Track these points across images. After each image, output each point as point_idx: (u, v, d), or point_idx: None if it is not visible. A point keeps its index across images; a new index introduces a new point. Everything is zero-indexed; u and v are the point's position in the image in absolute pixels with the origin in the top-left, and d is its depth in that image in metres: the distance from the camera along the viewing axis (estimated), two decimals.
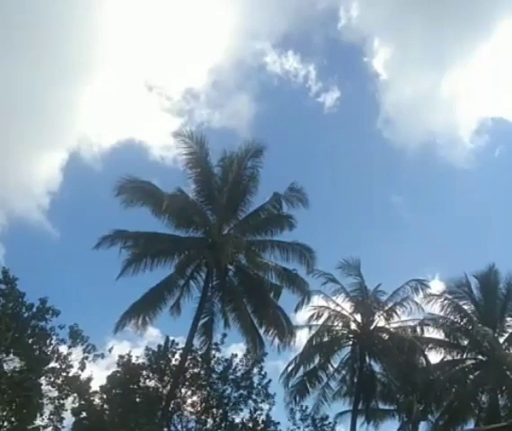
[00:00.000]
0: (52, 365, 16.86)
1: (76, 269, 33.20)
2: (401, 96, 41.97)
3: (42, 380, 16.72)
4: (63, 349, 17.26)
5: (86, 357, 17.40)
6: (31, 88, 32.13)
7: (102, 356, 18.21)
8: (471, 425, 23.76)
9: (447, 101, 43.87)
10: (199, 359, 19.08)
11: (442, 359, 24.50)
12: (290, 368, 23.67)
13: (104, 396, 18.78)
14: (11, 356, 16.26)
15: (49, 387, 16.75)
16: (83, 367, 17.33)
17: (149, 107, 42.84)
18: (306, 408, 17.45)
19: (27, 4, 28.81)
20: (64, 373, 16.90)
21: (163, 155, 37.78)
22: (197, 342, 19.51)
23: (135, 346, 22.32)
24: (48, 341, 16.89)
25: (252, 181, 21.06)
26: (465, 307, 24.01)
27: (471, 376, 23.51)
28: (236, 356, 18.62)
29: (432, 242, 39.10)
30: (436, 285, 25.25)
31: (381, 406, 25.71)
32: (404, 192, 41.34)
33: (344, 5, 43.25)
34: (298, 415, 17.85)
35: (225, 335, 18.54)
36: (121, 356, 18.94)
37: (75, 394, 17.22)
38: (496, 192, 41.70)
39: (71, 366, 17.16)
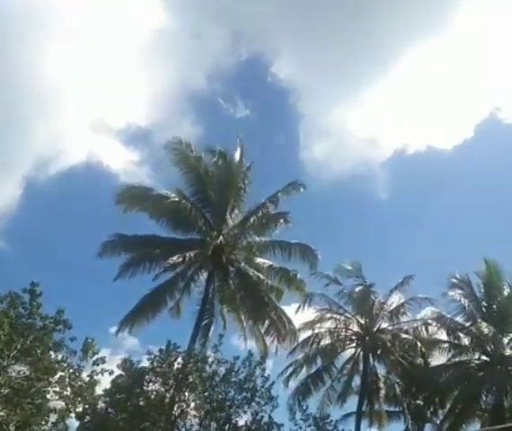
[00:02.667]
0: (60, 374, 16.96)
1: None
2: (321, 133, 43.60)
3: (50, 389, 16.82)
4: (73, 360, 17.39)
5: (95, 371, 17.54)
6: None
7: (111, 372, 18.37)
8: (476, 426, 23.70)
9: (363, 134, 45.97)
10: (201, 362, 19.14)
11: (446, 360, 24.42)
12: (293, 370, 23.76)
13: (108, 400, 18.85)
14: (19, 363, 16.40)
15: (56, 397, 16.85)
16: (94, 383, 17.47)
17: (104, 137, 44.63)
18: (307, 407, 17.43)
19: None
20: (72, 382, 17.01)
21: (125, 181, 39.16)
22: (198, 345, 19.59)
23: (115, 353, 22.48)
24: (57, 352, 17.00)
25: (250, 181, 21.24)
26: (468, 306, 23.90)
27: (475, 377, 23.35)
28: (238, 358, 18.65)
29: None
30: None
31: (385, 408, 25.71)
32: (321, 227, 40.77)
33: (266, 55, 45.75)
34: (299, 415, 17.79)
35: (221, 336, 18.61)
36: (124, 361, 19.04)
37: (79, 398, 17.33)
38: (412, 221, 42.61)
39: (80, 378, 17.27)
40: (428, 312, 24.24)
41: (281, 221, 20.74)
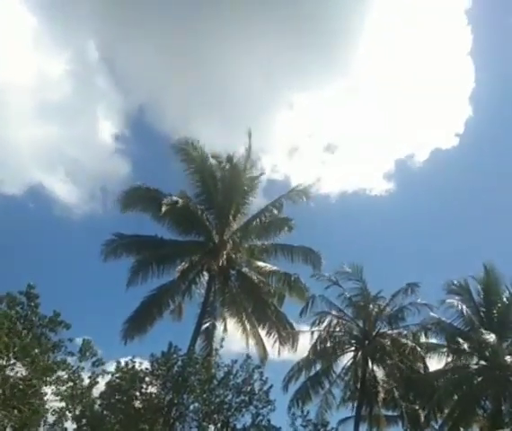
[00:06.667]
0: (59, 374, 16.74)
1: None
2: None
3: (48, 389, 16.60)
4: (71, 361, 17.19)
5: (94, 372, 17.35)
6: None
7: (113, 374, 18.16)
8: None
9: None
10: (201, 365, 19.01)
11: (444, 365, 24.36)
12: (292, 374, 23.63)
13: (105, 403, 18.63)
14: (17, 363, 16.18)
15: (54, 396, 16.63)
16: (93, 382, 17.29)
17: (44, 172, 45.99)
18: (308, 412, 17.29)
19: None
20: (71, 383, 16.79)
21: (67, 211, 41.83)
22: (198, 348, 19.47)
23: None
24: (55, 352, 16.81)
25: (255, 185, 21.21)
26: (467, 312, 23.83)
27: (474, 382, 23.29)
28: (236, 361, 18.56)
29: None
30: None
31: (384, 412, 25.63)
32: None
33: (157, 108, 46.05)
34: (299, 421, 17.65)
35: (222, 339, 18.53)
36: (119, 363, 18.84)
37: (77, 400, 17.14)
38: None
39: (80, 379, 17.07)
40: (427, 317, 24.14)
41: (285, 228, 20.76)
